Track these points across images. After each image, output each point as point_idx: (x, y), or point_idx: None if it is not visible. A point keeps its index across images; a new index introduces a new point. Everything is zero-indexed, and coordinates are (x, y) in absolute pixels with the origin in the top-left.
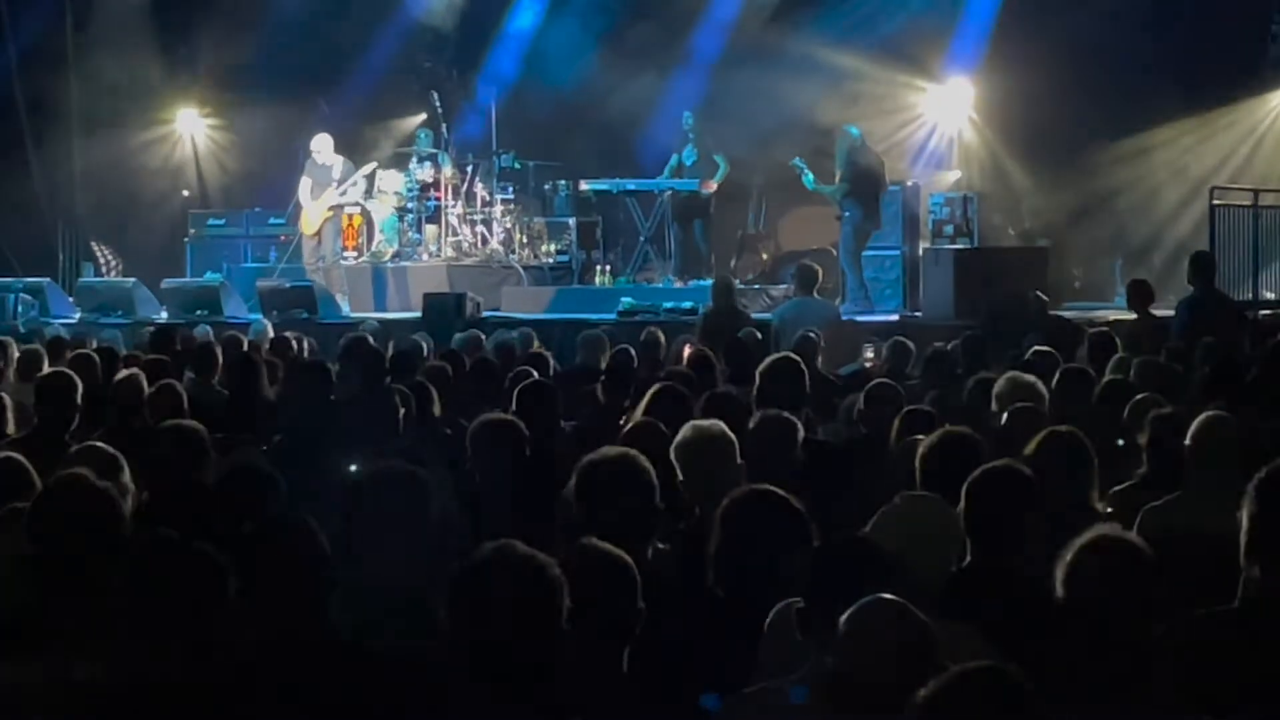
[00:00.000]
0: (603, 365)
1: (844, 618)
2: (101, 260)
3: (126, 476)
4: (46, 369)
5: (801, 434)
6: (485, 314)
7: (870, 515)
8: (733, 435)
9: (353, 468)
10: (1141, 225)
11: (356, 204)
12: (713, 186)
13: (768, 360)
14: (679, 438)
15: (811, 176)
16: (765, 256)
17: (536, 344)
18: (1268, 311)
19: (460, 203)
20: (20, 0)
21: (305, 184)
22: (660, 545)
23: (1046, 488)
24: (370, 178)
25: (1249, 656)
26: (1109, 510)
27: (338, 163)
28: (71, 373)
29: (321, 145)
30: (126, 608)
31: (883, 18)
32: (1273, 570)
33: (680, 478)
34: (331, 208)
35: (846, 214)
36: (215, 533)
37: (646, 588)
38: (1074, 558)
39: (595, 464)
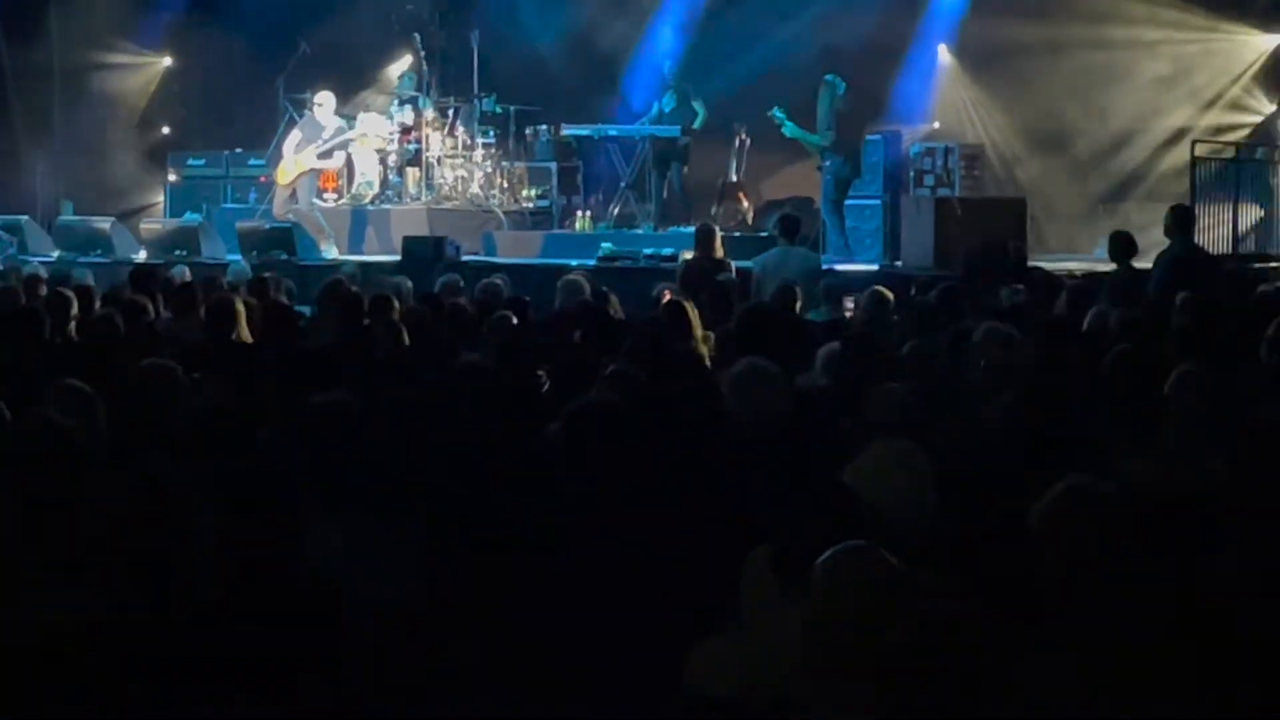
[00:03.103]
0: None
1: (817, 563)
2: None
3: (100, 414)
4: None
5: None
6: (465, 258)
7: (845, 463)
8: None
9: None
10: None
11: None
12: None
13: (743, 308)
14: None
15: (791, 125)
16: (747, 205)
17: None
18: (1247, 265)
19: (441, 146)
20: None
21: (294, 135)
22: None
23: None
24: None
25: None
26: None
27: (333, 125)
28: (40, 311)
29: (324, 101)
30: (97, 547)
31: None
32: None
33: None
34: (311, 169)
35: (828, 164)
36: (189, 471)
37: None
38: (1045, 507)
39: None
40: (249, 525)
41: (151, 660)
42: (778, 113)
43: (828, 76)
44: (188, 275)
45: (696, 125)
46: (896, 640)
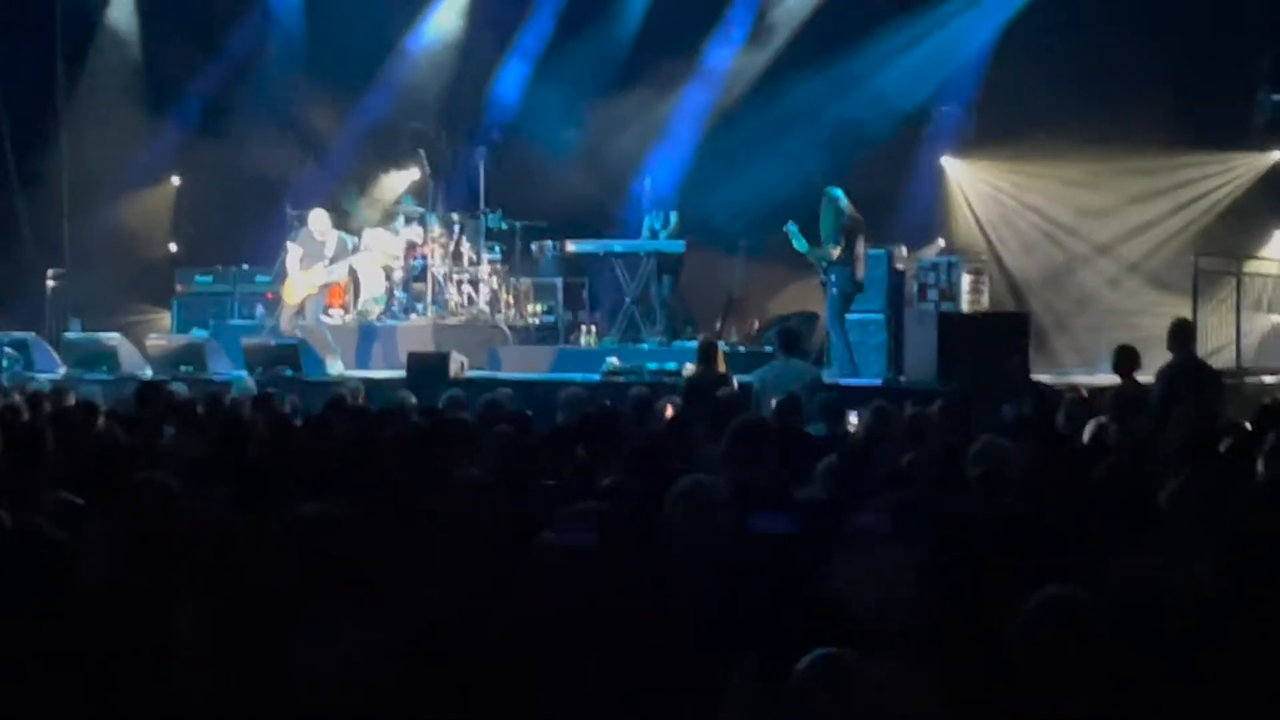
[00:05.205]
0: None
1: (795, 670)
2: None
3: (96, 528)
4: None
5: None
6: (470, 374)
7: (840, 572)
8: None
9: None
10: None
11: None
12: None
13: (737, 422)
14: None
15: (801, 239)
16: (753, 320)
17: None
18: (1251, 380)
19: (447, 262)
20: (12, 59)
21: (295, 252)
22: None
23: None
24: (358, 238)
25: None
26: None
27: (332, 239)
28: (43, 426)
29: (318, 222)
30: (80, 662)
31: (872, 80)
32: None
33: None
34: (321, 286)
35: (833, 278)
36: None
37: None
38: (1025, 617)
39: None
40: (235, 637)
41: None
42: (791, 226)
43: (830, 190)
44: (185, 392)
45: (671, 229)
46: None
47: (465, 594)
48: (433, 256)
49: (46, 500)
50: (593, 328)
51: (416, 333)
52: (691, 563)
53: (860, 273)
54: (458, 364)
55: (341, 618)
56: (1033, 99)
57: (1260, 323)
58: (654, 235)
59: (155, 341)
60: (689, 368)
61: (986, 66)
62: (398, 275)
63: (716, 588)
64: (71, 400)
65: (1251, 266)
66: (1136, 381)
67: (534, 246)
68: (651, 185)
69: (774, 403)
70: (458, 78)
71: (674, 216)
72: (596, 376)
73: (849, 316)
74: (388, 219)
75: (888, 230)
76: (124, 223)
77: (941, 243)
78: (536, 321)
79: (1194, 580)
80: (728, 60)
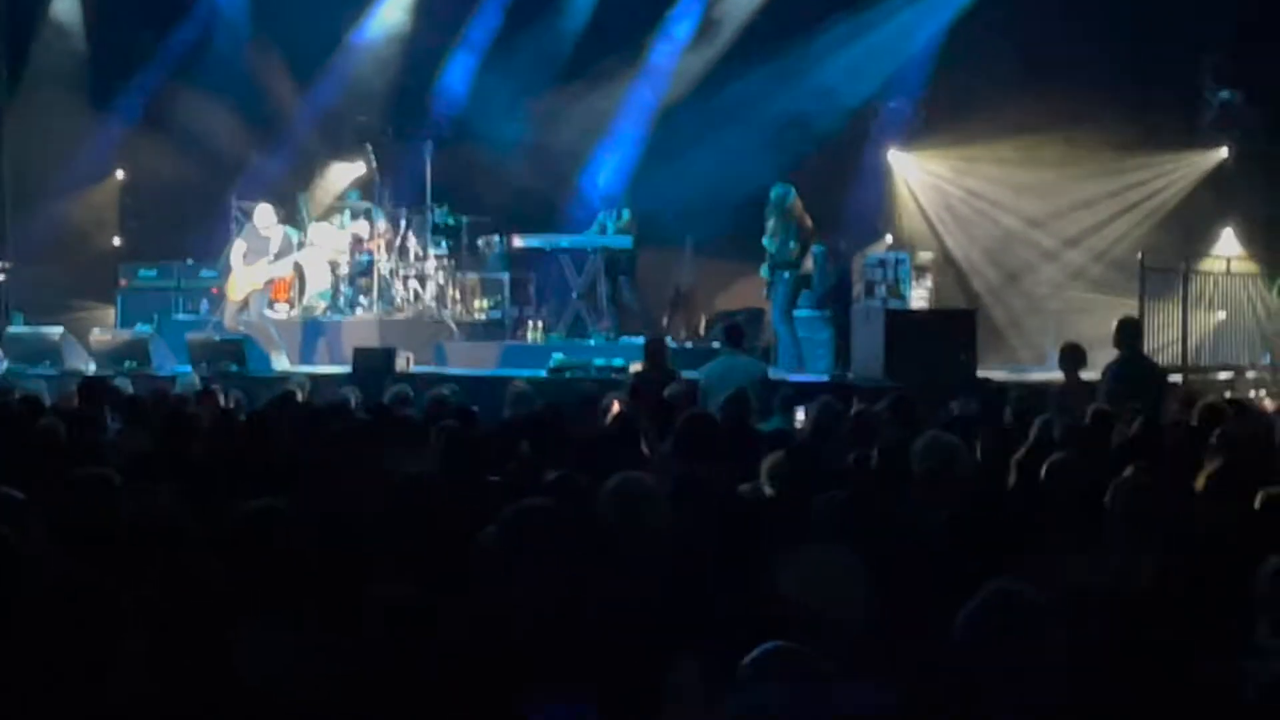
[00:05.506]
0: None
1: (742, 663)
2: None
3: (36, 522)
4: None
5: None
6: (415, 369)
7: (785, 570)
8: None
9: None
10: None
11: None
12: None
13: (684, 416)
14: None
15: (766, 268)
16: (699, 316)
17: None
18: (1195, 376)
19: (393, 257)
20: None
21: (239, 246)
22: None
23: None
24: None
25: None
26: None
27: (277, 235)
28: None
29: (263, 217)
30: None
31: (819, 74)
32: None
33: None
34: (265, 282)
35: (786, 275)
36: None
37: None
38: (969, 612)
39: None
40: (177, 633)
41: None
42: (765, 272)
43: (776, 186)
44: (130, 388)
45: (623, 226)
46: None
47: (411, 590)
48: (379, 251)
49: None
50: (539, 323)
51: (362, 328)
52: (626, 560)
53: (808, 268)
54: (403, 359)
55: (286, 615)
56: (980, 94)
57: (1207, 320)
58: (603, 231)
59: (99, 336)
60: (636, 365)
61: (934, 62)
62: (343, 270)
63: (652, 585)
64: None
65: (1198, 264)
66: (1079, 378)
67: (480, 241)
68: (603, 181)
69: (721, 399)
70: (404, 72)
71: (626, 213)
72: (543, 372)
73: (797, 312)
74: (333, 214)
75: (834, 225)
76: (67, 216)
77: (889, 239)
78: (483, 317)
79: (1137, 575)
80: (674, 55)
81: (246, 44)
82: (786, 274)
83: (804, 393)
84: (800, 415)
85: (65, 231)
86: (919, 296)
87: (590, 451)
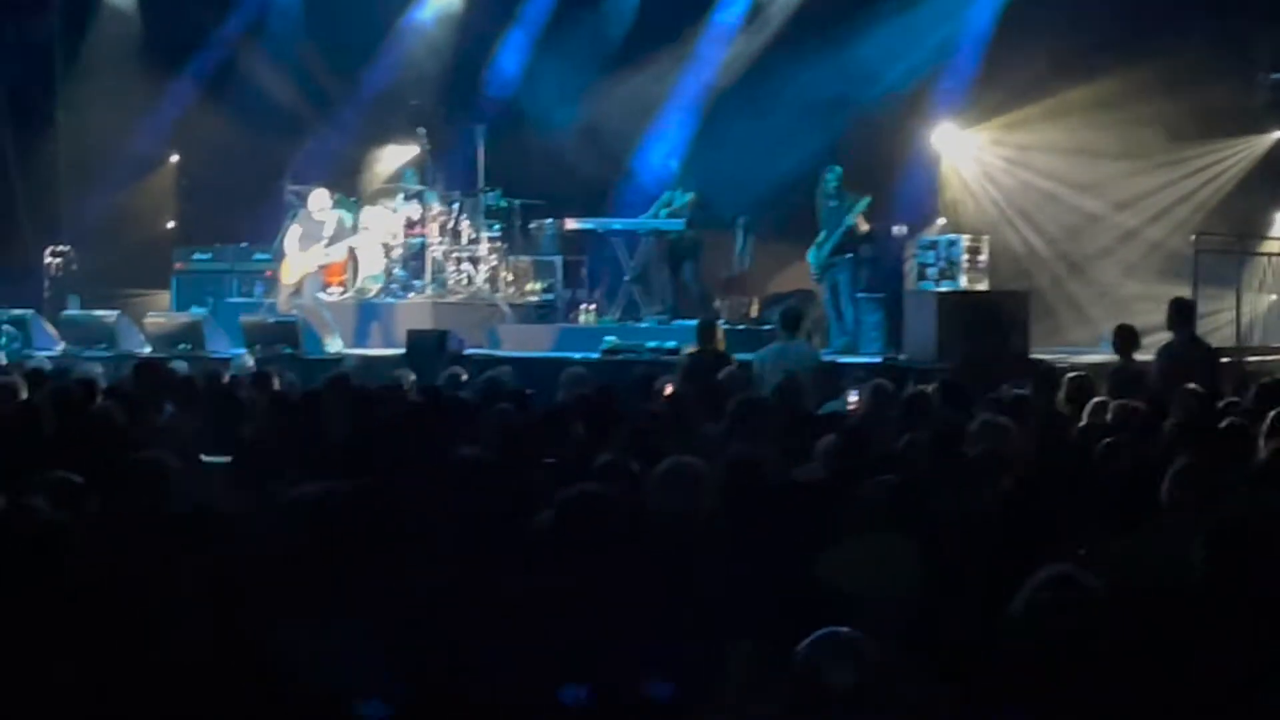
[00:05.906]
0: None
1: (798, 649)
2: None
3: (93, 506)
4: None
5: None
6: (469, 352)
7: (838, 554)
8: None
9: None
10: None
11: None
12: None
13: (737, 400)
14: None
15: (816, 253)
16: (751, 297)
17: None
18: (1251, 359)
19: (446, 240)
20: (9, 35)
21: (294, 231)
22: None
23: None
24: (356, 216)
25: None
26: None
27: (332, 220)
28: (41, 404)
29: (318, 201)
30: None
31: (868, 57)
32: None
33: None
34: (320, 266)
35: (849, 255)
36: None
37: None
38: (1024, 597)
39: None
40: (232, 617)
41: None
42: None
43: (830, 169)
44: (185, 370)
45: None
46: None
47: (464, 574)
48: (431, 234)
49: (44, 479)
50: (592, 306)
51: (415, 311)
52: (674, 544)
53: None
54: (457, 342)
55: (339, 599)
56: (1032, 76)
57: (1261, 302)
58: (668, 208)
59: (154, 319)
60: (689, 348)
61: (985, 44)
62: (396, 253)
63: (702, 569)
64: (72, 378)
65: (1254, 246)
66: (1134, 360)
67: (533, 224)
68: (664, 164)
69: (775, 382)
70: (457, 55)
71: (684, 196)
72: (596, 355)
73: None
74: (386, 196)
75: (886, 208)
76: (123, 200)
77: (943, 221)
78: (535, 299)
79: (1191, 560)
80: (726, 38)
81: (300, 27)
82: (849, 254)
83: (855, 375)
84: (853, 397)
85: (121, 215)
86: (971, 279)
87: (643, 434)
